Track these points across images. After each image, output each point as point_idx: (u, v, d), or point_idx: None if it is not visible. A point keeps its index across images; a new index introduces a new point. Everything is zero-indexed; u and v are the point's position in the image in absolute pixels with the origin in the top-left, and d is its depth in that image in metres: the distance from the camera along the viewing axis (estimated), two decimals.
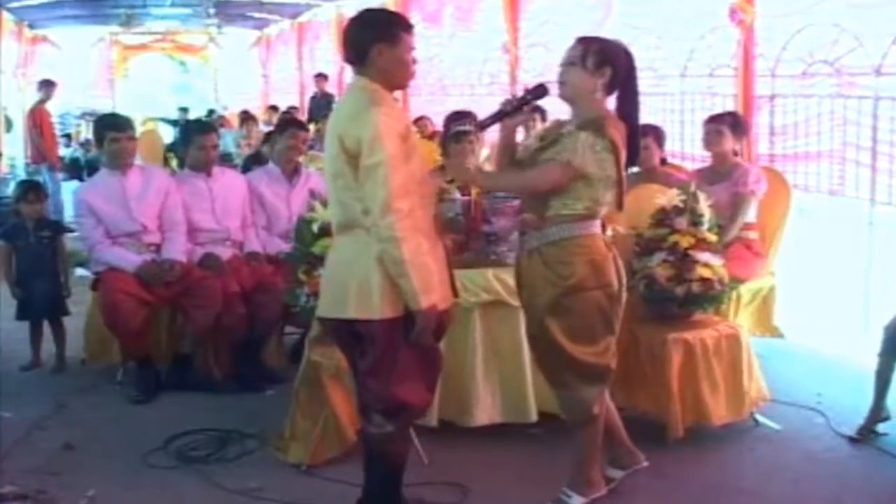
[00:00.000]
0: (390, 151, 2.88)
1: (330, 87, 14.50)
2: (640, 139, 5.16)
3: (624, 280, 3.35)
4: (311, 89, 14.94)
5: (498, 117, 3.32)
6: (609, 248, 3.32)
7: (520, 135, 3.54)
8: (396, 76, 3.07)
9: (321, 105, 13.56)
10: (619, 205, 3.30)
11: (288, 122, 6.05)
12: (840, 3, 5.66)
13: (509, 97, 3.38)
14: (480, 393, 3.97)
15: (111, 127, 5.04)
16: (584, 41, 3.29)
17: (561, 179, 3.18)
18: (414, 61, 3.10)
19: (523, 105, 3.32)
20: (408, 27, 3.10)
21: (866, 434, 4.06)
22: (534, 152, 3.33)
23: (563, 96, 3.33)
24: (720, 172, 5.18)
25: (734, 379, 4.08)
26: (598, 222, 3.29)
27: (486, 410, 3.98)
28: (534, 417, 3.99)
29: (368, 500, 3.25)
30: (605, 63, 3.23)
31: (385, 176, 2.87)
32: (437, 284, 3.01)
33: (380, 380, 3.05)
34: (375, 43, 3.01)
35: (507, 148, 3.41)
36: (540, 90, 3.34)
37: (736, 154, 5.40)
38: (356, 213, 2.99)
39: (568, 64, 3.28)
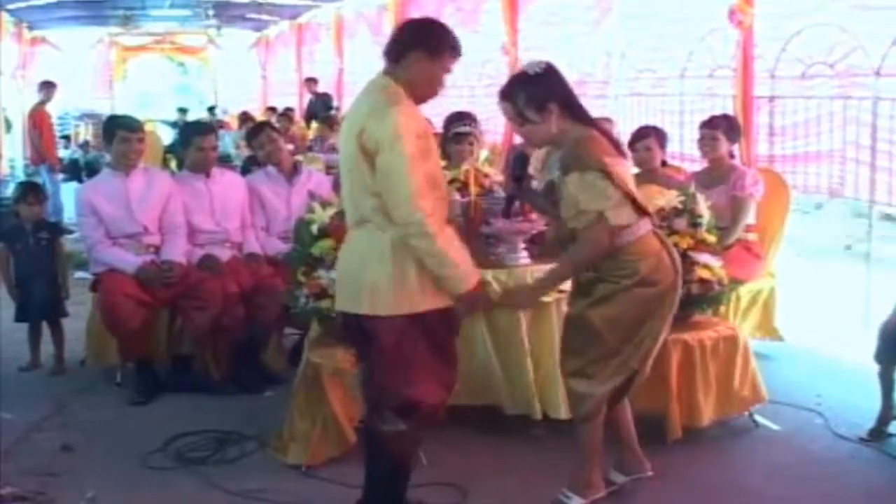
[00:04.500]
0: (410, 151, 2.91)
1: (328, 89, 14.54)
2: (639, 141, 5.27)
3: (680, 269, 3.32)
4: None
5: (511, 201, 3.64)
6: (663, 242, 3.32)
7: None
8: (420, 88, 3.08)
9: (318, 107, 13.59)
10: None
11: (257, 129, 5.81)
12: (840, 5, 5.67)
13: (506, 185, 3.63)
14: (502, 383, 4.02)
15: (123, 126, 5.02)
16: (506, 96, 3.25)
17: (602, 235, 3.16)
18: (442, 84, 3.13)
19: (520, 180, 3.47)
20: (454, 51, 3.10)
21: (878, 436, 4.05)
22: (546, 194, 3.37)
23: (537, 147, 3.40)
24: (716, 176, 5.19)
25: (726, 380, 4.08)
26: (645, 220, 3.26)
27: (507, 400, 4.05)
28: (539, 415, 3.99)
29: (368, 501, 3.25)
30: (544, 102, 3.18)
31: (407, 176, 2.90)
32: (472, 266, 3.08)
33: (394, 378, 3.06)
34: (418, 49, 3.04)
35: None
36: (520, 161, 3.47)
37: (732, 156, 5.42)
38: (367, 210, 3.02)
39: (515, 123, 3.28)
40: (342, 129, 3.21)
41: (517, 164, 3.49)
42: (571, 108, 3.24)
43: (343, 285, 3.18)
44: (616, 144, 3.28)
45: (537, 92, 3.19)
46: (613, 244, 3.18)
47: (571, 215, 3.20)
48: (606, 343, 3.25)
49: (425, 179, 2.94)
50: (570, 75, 8.43)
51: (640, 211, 3.23)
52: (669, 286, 3.27)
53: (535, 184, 3.49)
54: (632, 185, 3.22)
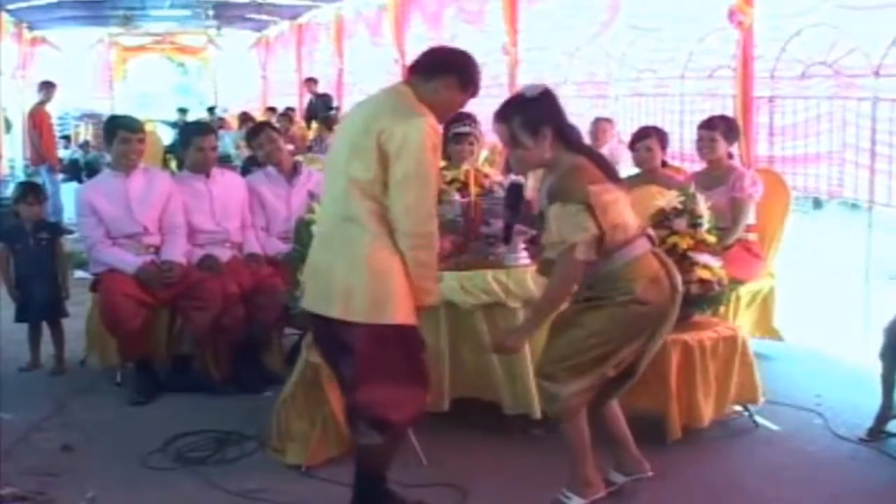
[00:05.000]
0: (430, 163, 2.98)
1: (328, 89, 14.55)
2: (640, 141, 5.29)
3: (679, 288, 3.30)
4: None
5: (509, 229, 3.72)
6: (663, 263, 3.30)
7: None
8: (439, 110, 3.11)
9: (319, 107, 13.61)
10: None
11: (257, 129, 5.79)
12: (839, 6, 5.68)
13: (504, 214, 3.72)
14: (502, 382, 4.01)
15: (123, 126, 5.02)
16: (502, 118, 3.25)
17: (572, 270, 3.17)
18: (453, 114, 3.34)
19: (518, 206, 3.57)
20: (476, 91, 3.21)
21: (876, 436, 4.05)
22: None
23: (528, 172, 3.46)
24: (716, 177, 5.19)
25: (726, 380, 4.09)
26: (642, 240, 3.26)
27: (507, 399, 4.04)
28: (538, 414, 3.99)
29: (362, 501, 3.25)
30: (538, 126, 3.18)
31: (427, 188, 2.98)
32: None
33: (368, 391, 3.05)
34: (452, 74, 3.12)
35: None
36: (514, 191, 3.57)
37: (731, 157, 5.42)
38: (359, 211, 3.00)
39: (509, 147, 3.29)
40: (346, 126, 3.21)
41: (511, 193, 3.56)
42: (564, 133, 3.25)
43: (313, 284, 3.17)
44: (607, 169, 3.27)
45: (532, 115, 3.20)
46: (605, 266, 3.18)
47: (549, 244, 3.21)
48: (592, 348, 3.22)
49: (433, 190, 3.04)
50: (572, 76, 8.47)
51: (627, 239, 3.19)
52: (666, 303, 3.26)
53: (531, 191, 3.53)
54: (619, 212, 3.19)
